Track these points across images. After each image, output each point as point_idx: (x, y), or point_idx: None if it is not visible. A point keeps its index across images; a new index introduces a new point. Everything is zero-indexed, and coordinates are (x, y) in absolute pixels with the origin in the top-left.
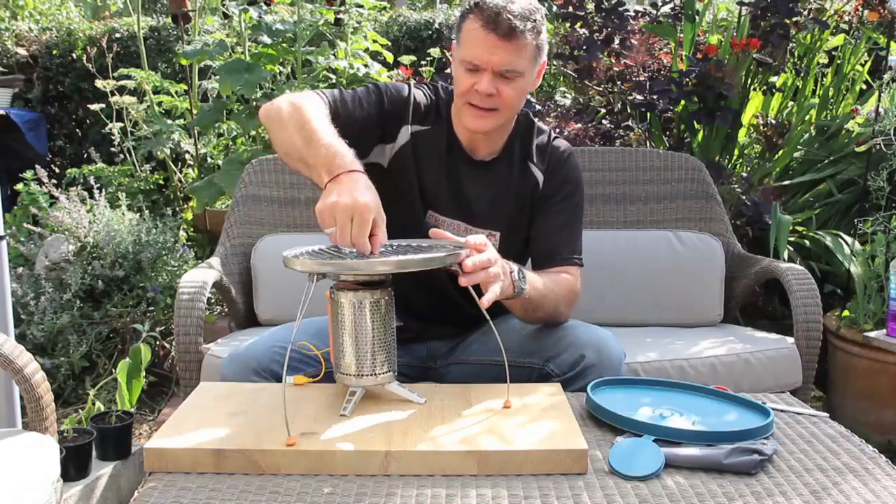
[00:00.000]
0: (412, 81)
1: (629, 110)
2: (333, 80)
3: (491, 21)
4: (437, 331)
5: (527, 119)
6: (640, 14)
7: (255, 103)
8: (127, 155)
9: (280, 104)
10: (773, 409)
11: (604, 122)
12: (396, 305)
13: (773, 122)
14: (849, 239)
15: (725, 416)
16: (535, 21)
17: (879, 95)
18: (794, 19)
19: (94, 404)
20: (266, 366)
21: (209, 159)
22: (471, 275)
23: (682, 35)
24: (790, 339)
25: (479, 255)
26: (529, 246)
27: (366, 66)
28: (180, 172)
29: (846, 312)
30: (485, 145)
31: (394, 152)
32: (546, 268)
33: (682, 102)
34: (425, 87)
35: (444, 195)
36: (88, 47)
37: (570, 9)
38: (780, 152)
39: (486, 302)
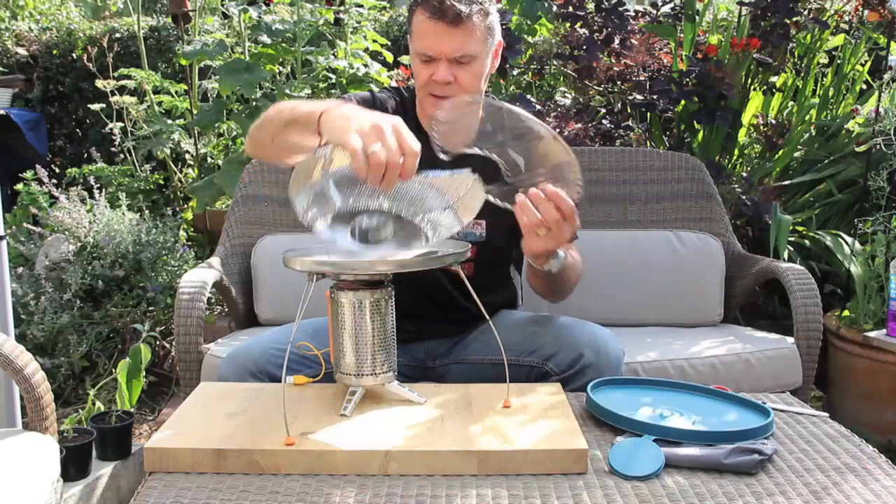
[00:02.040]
0: (375, 88)
1: (629, 110)
2: (333, 80)
3: (437, 10)
4: (435, 330)
5: (492, 105)
6: (640, 14)
7: (255, 103)
8: (127, 155)
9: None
10: (773, 409)
11: (604, 122)
12: (394, 307)
13: (773, 122)
14: (849, 239)
15: (725, 416)
16: (480, 3)
17: (879, 95)
18: (794, 19)
19: (94, 404)
20: (262, 367)
21: (209, 159)
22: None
23: (682, 35)
24: (790, 339)
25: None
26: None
27: (366, 66)
28: (180, 172)
29: (846, 312)
30: (456, 136)
31: None
32: None
33: (682, 102)
34: (387, 91)
35: None
36: (88, 47)
37: (570, 9)
38: (780, 152)
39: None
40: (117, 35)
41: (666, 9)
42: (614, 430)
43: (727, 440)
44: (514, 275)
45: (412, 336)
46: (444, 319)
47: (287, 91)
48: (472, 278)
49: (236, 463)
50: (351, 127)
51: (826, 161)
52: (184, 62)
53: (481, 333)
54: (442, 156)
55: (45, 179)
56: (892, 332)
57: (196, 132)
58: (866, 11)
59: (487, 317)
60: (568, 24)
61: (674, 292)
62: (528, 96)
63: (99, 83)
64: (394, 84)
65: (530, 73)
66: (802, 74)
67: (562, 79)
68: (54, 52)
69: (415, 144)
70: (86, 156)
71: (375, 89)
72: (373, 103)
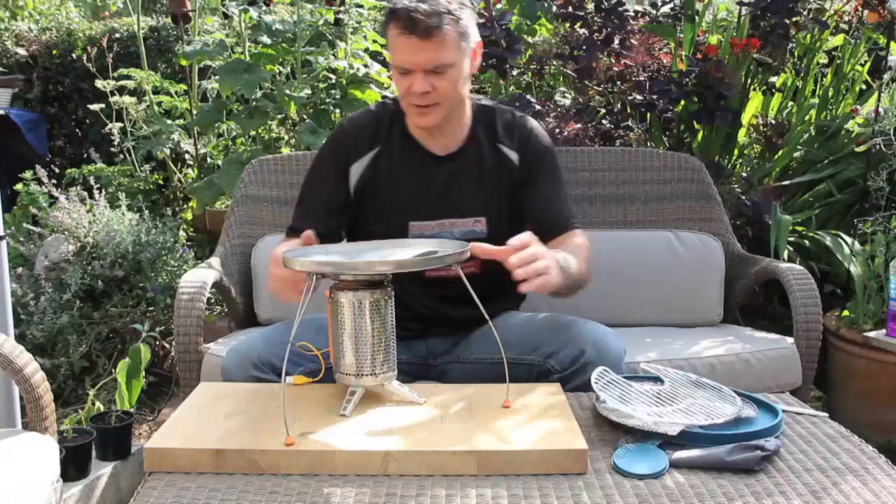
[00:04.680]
0: (345, 122)
1: (629, 110)
2: (333, 81)
3: (408, 25)
4: (437, 328)
5: (483, 103)
6: (639, 14)
7: (254, 103)
8: (127, 155)
9: None
10: None
11: (604, 122)
12: (397, 305)
13: (773, 122)
14: (849, 239)
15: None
16: (449, 12)
17: (879, 95)
18: (794, 19)
19: (93, 404)
20: (266, 360)
21: (209, 159)
22: (527, 281)
23: (681, 35)
24: (790, 339)
25: (524, 252)
26: (525, 224)
27: (366, 66)
28: (180, 172)
29: (846, 312)
30: (446, 137)
31: (353, 187)
32: (554, 237)
33: (682, 102)
34: (370, 109)
35: (423, 201)
36: (88, 47)
37: (570, 9)
38: (780, 152)
39: (529, 289)
40: (117, 35)
41: (665, 9)
42: (615, 430)
43: (736, 442)
44: None
45: (415, 334)
46: (448, 318)
47: (287, 91)
48: (480, 275)
49: (236, 463)
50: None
51: (826, 161)
52: (184, 62)
53: (483, 332)
54: None
55: (45, 179)
56: (892, 332)
57: (196, 132)
58: (866, 12)
59: (488, 318)
60: (567, 24)
61: (674, 292)
62: (528, 96)
63: (99, 83)
64: (394, 84)
65: (530, 74)
66: (802, 74)
67: (561, 79)
68: (54, 52)
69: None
70: (85, 156)
71: (345, 120)
72: (346, 140)
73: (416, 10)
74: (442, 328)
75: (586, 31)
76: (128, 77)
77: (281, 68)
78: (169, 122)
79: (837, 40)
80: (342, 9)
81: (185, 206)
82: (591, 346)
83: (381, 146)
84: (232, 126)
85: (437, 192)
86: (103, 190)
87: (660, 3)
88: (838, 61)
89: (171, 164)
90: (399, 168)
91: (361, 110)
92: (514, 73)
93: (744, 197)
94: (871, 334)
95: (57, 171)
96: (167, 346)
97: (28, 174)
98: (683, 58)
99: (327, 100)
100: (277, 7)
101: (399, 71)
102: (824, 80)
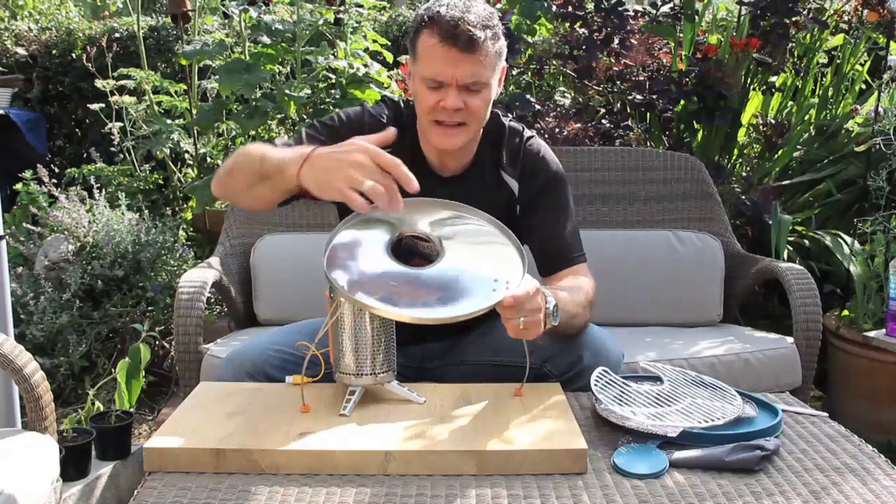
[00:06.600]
0: (367, 104)
1: (629, 110)
2: (333, 80)
3: (449, 35)
4: (432, 333)
5: (495, 122)
6: (639, 14)
7: (254, 103)
8: (126, 155)
9: (225, 163)
10: None
11: (603, 121)
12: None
13: (773, 121)
14: (848, 239)
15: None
16: (493, 28)
17: (879, 95)
18: (794, 19)
19: (93, 404)
20: (260, 368)
21: (209, 159)
22: (520, 332)
23: (681, 35)
24: (790, 339)
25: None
26: (531, 253)
27: (366, 66)
28: (180, 172)
29: (846, 312)
30: (455, 159)
31: None
32: (554, 272)
33: (682, 102)
34: (385, 103)
35: None
36: (88, 47)
37: (570, 9)
38: (780, 152)
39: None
40: (117, 35)
41: (665, 9)
42: (615, 430)
43: (736, 441)
44: None
45: (410, 339)
46: (441, 327)
47: (287, 91)
48: None
49: (236, 463)
50: (335, 178)
51: (826, 161)
52: (184, 62)
53: (479, 335)
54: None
55: (45, 179)
56: (892, 332)
57: (195, 132)
58: (866, 11)
59: (479, 321)
60: (567, 24)
61: (673, 292)
62: (528, 96)
63: (98, 83)
64: (394, 84)
65: (530, 73)
66: (802, 74)
67: (561, 79)
68: (54, 51)
69: (389, 157)
70: (85, 156)
71: (369, 103)
72: (361, 125)
73: (463, 19)
74: (437, 332)
75: (586, 31)
76: (127, 77)
77: (281, 68)
78: (169, 121)
79: (837, 40)
80: (342, 9)
81: (185, 205)
82: (588, 350)
83: (390, 152)
84: (232, 126)
85: None
86: (103, 190)
87: (660, 3)
88: (838, 61)
89: (170, 163)
90: None
91: (380, 106)
92: (514, 72)
93: (744, 197)
94: (871, 334)
95: (57, 170)
96: (167, 345)
97: (28, 174)
98: (683, 57)
99: (327, 100)
100: (277, 7)
101: (429, 84)
102: (824, 79)
